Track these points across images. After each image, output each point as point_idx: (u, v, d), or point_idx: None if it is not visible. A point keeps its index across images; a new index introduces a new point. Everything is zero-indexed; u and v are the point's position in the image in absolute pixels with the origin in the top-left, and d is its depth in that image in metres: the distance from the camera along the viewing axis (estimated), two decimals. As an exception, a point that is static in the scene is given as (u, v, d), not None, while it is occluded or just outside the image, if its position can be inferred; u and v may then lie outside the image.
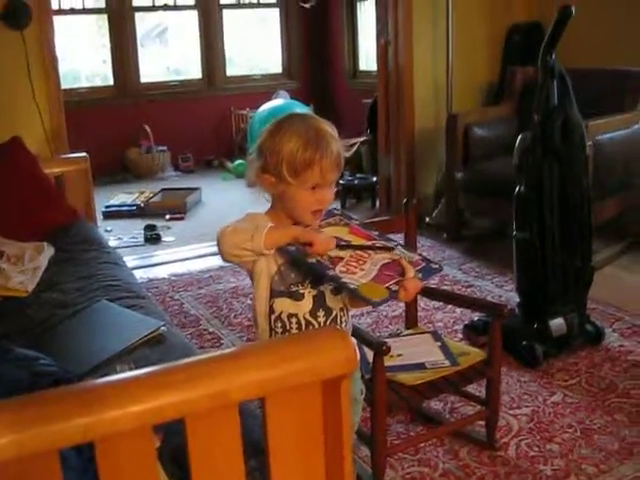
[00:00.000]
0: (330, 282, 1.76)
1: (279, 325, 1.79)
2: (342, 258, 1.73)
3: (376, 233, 1.87)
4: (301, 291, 1.77)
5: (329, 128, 1.77)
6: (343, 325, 1.85)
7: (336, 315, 1.83)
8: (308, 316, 1.79)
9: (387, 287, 1.71)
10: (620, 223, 4.51)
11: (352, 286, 1.66)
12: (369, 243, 1.81)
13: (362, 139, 6.55)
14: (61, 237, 3.26)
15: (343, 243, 1.76)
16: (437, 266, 1.88)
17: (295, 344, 1.34)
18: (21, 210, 3.36)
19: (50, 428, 1.06)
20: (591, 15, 4.69)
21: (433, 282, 4.02)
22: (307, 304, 1.78)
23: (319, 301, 1.79)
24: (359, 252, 1.76)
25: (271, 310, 1.79)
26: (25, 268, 2.87)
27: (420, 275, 1.78)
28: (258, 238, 1.66)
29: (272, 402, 1.28)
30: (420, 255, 1.87)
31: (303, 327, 1.79)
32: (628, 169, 4.32)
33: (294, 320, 1.78)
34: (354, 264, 1.72)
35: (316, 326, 1.79)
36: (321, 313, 1.80)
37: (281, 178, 1.73)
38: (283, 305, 1.78)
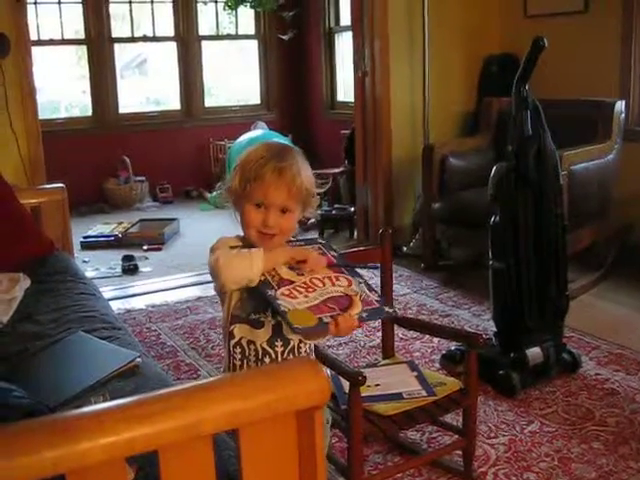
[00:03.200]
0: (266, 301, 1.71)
1: (238, 351, 1.78)
2: (292, 282, 1.69)
3: (347, 269, 1.81)
4: (261, 319, 1.76)
5: (298, 159, 1.76)
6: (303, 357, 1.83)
7: (294, 346, 1.80)
8: (265, 345, 1.77)
9: (319, 317, 1.64)
10: (595, 251, 4.55)
11: (282, 308, 1.62)
12: (333, 275, 1.77)
13: (339, 170, 6.60)
14: (37, 268, 3.24)
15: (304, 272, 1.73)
16: (391, 310, 1.81)
17: (268, 375, 1.34)
18: (-3, 241, 3.33)
19: (19, 461, 1.04)
20: (564, 47, 4.77)
21: (410, 312, 4.03)
22: (265, 333, 1.76)
23: (277, 331, 1.77)
24: (315, 281, 1.72)
25: (231, 335, 1.78)
26: (0, 299, 2.85)
27: (365, 315, 1.70)
28: (257, 266, 1.66)
29: (245, 433, 1.27)
30: (380, 297, 1.79)
31: (260, 355, 1.77)
32: (602, 198, 4.36)
33: (252, 348, 1.77)
34: (301, 290, 1.68)
35: (273, 356, 1.77)
36: (279, 343, 1.78)
37: (231, 187, 1.76)
38: (242, 331, 1.77)
